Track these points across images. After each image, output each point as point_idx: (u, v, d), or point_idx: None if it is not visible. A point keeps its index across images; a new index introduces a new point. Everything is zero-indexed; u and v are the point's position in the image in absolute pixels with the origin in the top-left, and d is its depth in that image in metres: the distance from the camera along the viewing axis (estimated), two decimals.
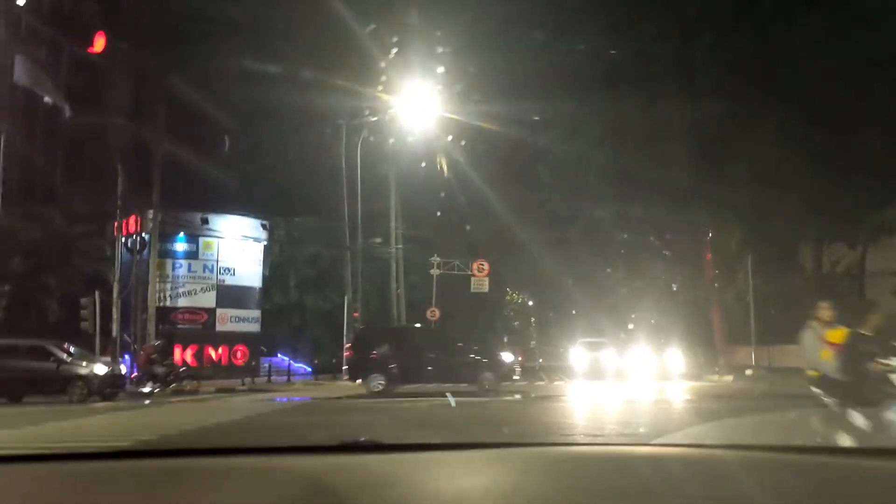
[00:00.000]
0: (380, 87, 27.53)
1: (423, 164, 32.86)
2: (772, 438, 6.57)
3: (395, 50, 28.00)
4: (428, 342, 21.70)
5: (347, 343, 21.83)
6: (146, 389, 21.24)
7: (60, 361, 19.67)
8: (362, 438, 2.05)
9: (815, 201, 28.22)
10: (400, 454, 1.90)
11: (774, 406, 15.84)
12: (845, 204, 28.09)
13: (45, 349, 20.11)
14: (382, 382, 19.89)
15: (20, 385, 19.42)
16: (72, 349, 20.47)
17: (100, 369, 20.11)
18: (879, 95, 24.72)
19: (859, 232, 31.33)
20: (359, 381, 20.44)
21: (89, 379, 19.59)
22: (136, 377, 22.92)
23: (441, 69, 28.25)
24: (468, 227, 36.86)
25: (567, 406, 16.38)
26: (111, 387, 20.05)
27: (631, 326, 35.32)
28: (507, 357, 21.47)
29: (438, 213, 35.82)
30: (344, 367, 21.30)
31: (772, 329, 30.11)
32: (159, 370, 21.82)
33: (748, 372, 28.52)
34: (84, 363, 20.19)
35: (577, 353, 33.40)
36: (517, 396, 18.72)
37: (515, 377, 21.46)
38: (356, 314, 29.34)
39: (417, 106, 27.98)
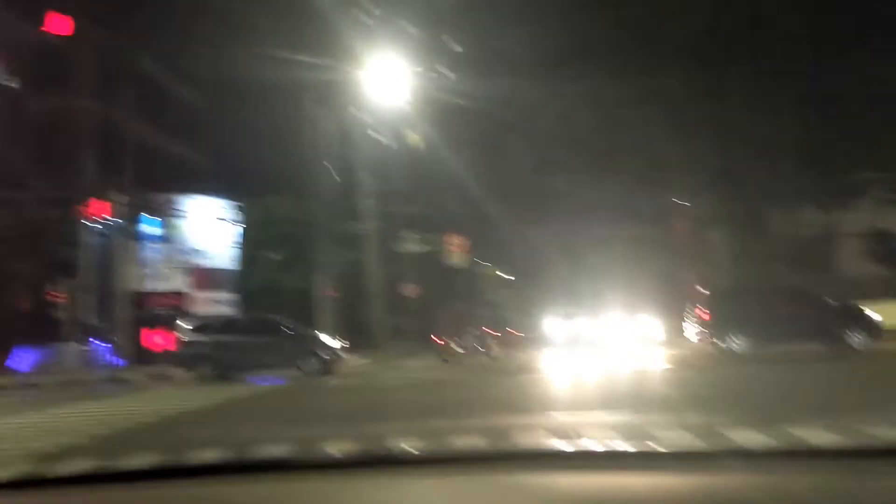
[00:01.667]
0: (348, 61, 27.20)
1: (395, 139, 32.64)
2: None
3: (364, 22, 27.67)
4: (788, 300, 20.01)
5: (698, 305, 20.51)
6: (461, 351, 21.35)
7: (293, 335, 19.66)
8: (371, 448, 1.83)
9: (786, 165, 28.51)
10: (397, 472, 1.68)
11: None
12: (816, 167, 28.41)
13: (272, 322, 20.19)
14: (740, 343, 18.84)
15: (254, 360, 19.32)
16: (291, 323, 20.49)
17: (329, 342, 20.12)
18: (849, 61, 24.92)
19: (830, 195, 31.68)
20: (719, 343, 19.29)
21: (322, 353, 19.48)
22: (443, 343, 22.44)
23: (411, 42, 28.00)
24: (441, 201, 36.71)
25: (544, 383, 16.40)
26: (335, 360, 19.93)
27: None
28: (873, 314, 19.27)
29: (412, 187, 35.63)
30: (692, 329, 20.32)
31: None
32: (469, 336, 21.65)
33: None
34: (312, 337, 20.22)
35: (552, 323, 33.53)
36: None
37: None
38: (330, 292, 29.19)
39: (387, 80, 27.70)
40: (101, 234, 26.71)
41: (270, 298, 34.11)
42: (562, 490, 1.42)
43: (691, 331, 20.54)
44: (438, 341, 22.85)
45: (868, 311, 19.36)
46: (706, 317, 19.77)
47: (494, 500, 1.42)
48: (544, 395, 12.87)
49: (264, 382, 18.55)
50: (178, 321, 21.24)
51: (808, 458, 1.62)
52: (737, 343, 18.90)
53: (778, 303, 19.57)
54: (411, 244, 35.33)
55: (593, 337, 30.59)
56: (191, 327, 20.67)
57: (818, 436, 6.23)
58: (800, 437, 6.30)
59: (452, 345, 21.93)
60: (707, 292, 20.92)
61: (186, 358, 19.87)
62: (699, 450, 1.77)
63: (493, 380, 16.17)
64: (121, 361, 25.15)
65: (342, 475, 1.64)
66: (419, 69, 27.90)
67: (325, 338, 20.21)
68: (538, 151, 29.47)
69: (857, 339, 18.20)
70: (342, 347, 20.60)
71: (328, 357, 19.49)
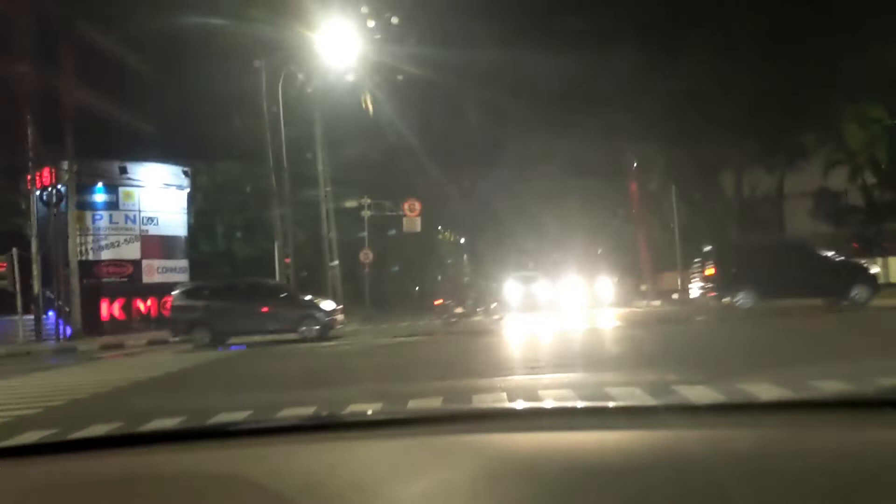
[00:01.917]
0: (302, 24, 26.73)
1: (349, 105, 32.29)
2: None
3: None
4: (792, 255, 19.86)
5: (706, 262, 20.40)
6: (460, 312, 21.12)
7: (291, 299, 19.41)
8: (324, 413, 1.82)
9: (734, 129, 28.93)
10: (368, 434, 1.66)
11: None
12: (763, 130, 28.88)
13: (269, 287, 20.10)
14: (749, 298, 18.87)
15: (252, 325, 19.03)
16: (288, 287, 20.25)
17: (327, 305, 19.67)
18: (793, 25, 25.24)
19: (777, 157, 32.29)
20: (725, 299, 19.31)
21: (319, 316, 19.09)
22: (445, 305, 22.04)
23: (363, 7, 27.59)
24: (398, 168, 36.55)
25: (504, 345, 16.56)
26: (332, 324, 19.50)
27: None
28: (874, 269, 19.75)
29: (368, 153, 35.37)
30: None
31: (696, 255, 30.96)
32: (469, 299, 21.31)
33: (675, 296, 29.40)
34: (309, 301, 19.80)
35: (510, 288, 33.80)
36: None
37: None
38: (287, 259, 29.00)
39: (341, 44, 27.30)
40: (48, 202, 26.08)
41: (224, 265, 33.80)
42: (515, 448, 1.45)
43: (695, 286, 20.67)
44: (440, 304, 22.88)
45: (868, 268, 19.95)
46: (711, 272, 19.90)
47: (448, 459, 1.43)
48: (503, 357, 13.01)
49: (240, 348, 18.42)
50: (175, 288, 20.88)
51: (750, 412, 1.66)
52: (741, 298, 19.14)
53: (782, 258, 19.73)
54: (367, 210, 35.19)
55: (552, 299, 30.96)
56: (185, 292, 20.24)
57: (764, 390, 6.43)
58: (746, 392, 6.51)
59: (456, 307, 22.03)
60: (711, 248, 20.97)
61: (182, 323, 19.57)
62: (648, 405, 1.81)
63: (456, 342, 16.27)
64: (70, 332, 24.73)
65: (297, 440, 1.65)
66: (374, 32, 27.55)
67: (322, 302, 19.99)
68: (493, 116, 29.43)
69: (857, 294, 18.65)
70: (336, 310, 20.36)
71: (326, 320, 19.23)
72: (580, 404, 1.80)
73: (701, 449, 1.37)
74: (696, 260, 21.42)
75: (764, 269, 19.19)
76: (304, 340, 18.42)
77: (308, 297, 20.43)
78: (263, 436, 1.69)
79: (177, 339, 20.12)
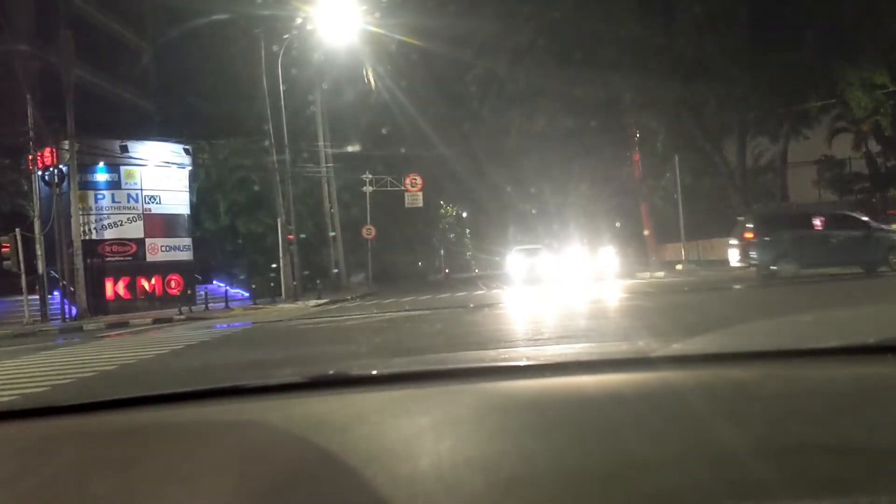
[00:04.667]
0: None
1: (349, 79, 32.13)
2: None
3: None
4: (834, 225, 18.84)
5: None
6: None
7: (878, 230, 18.39)
8: (331, 371, 1.85)
9: (738, 97, 28.72)
10: (369, 389, 1.72)
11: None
12: (766, 98, 28.67)
13: (853, 217, 18.81)
14: (784, 266, 18.24)
15: (839, 257, 18.13)
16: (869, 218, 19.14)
17: None
18: None
19: (780, 125, 32.09)
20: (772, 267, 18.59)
21: None
22: None
23: None
24: (398, 142, 36.43)
25: (511, 315, 16.59)
26: None
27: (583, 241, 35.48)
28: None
29: (370, 128, 35.22)
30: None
31: (699, 225, 30.91)
32: None
33: (678, 267, 29.39)
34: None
35: (514, 261, 33.78)
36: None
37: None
38: (291, 236, 29.01)
39: (341, 17, 27.10)
40: (50, 182, 26.05)
41: (227, 243, 33.85)
42: (519, 391, 1.53)
43: (734, 255, 20.35)
44: None
45: None
46: (750, 241, 19.14)
47: (452, 399, 1.50)
48: (503, 330, 13.02)
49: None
50: (746, 217, 19.75)
51: (744, 359, 1.69)
52: (782, 266, 18.49)
53: (824, 227, 18.98)
54: (368, 185, 35.15)
55: (555, 272, 30.89)
56: (765, 224, 19.22)
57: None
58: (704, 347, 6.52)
59: None
60: (752, 217, 20.50)
61: (765, 255, 18.62)
62: (639, 357, 1.88)
63: (457, 315, 16.26)
64: (75, 311, 24.83)
65: (307, 393, 1.68)
66: (374, 5, 27.35)
67: None
68: (494, 87, 29.24)
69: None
70: None
71: None
72: (579, 358, 1.86)
73: (689, 383, 1.41)
74: (747, 224, 20.58)
75: (805, 239, 18.45)
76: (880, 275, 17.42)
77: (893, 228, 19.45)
78: (276, 392, 1.73)
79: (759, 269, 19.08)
